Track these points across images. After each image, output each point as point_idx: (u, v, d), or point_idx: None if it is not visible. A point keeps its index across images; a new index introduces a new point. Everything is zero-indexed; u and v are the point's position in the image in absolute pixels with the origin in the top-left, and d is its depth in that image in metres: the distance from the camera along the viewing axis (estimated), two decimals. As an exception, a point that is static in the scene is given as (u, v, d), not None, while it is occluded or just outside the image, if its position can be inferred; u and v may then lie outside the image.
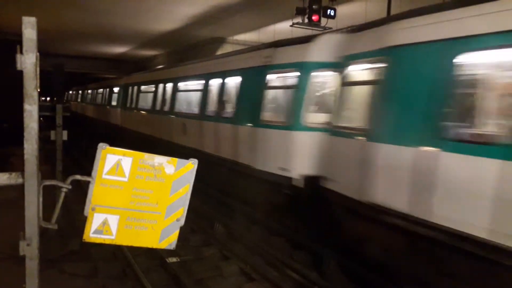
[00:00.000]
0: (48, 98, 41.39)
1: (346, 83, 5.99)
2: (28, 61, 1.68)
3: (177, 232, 2.15)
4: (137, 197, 2.02)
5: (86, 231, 1.98)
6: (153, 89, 13.84)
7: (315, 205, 6.40)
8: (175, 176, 2.08)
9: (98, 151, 1.92)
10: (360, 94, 5.76)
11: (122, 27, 16.43)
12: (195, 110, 10.69)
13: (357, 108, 5.78)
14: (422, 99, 4.60)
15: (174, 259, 6.23)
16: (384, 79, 5.08)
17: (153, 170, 2.03)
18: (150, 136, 13.51)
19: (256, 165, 7.47)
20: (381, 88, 5.12)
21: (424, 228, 4.30)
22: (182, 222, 2.14)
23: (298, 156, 6.80)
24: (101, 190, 1.95)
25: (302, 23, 9.87)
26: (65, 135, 7.04)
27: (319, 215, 6.41)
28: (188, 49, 20.62)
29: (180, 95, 11.94)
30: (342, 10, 10.92)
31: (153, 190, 2.04)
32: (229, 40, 17.99)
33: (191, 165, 2.11)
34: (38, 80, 1.72)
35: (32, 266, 1.79)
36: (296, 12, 9.71)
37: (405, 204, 4.56)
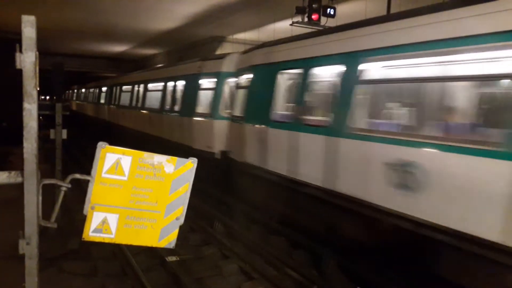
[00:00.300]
0: (47, 97, 41.37)
1: (238, 87, 9.01)
2: (27, 59, 1.68)
3: (176, 231, 2.15)
4: (136, 196, 2.02)
5: (85, 230, 1.98)
6: (130, 89, 16.79)
7: (227, 170, 9.00)
8: (175, 175, 2.08)
9: (97, 150, 1.92)
10: (243, 94, 8.51)
11: (122, 26, 16.42)
12: (156, 105, 13.41)
13: (242, 103, 8.52)
14: (262, 98, 7.60)
15: (173, 258, 6.24)
16: (249, 85, 8.20)
17: (153, 169, 2.03)
18: (129, 128, 16.15)
19: (194, 145, 10.40)
20: (248, 90, 8.21)
21: (268, 174, 7.27)
22: (181, 221, 2.14)
23: (216, 137, 9.55)
24: (100, 189, 1.95)
25: (302, 22, 9.87)
26: (64, 134, 7.04)
27: (229, 175, 8.88)
28: (188, 48, 20.61)
29: (147, 94, 14.76)
30: (342, 9, 10.91)
31: (152, 189, 2.04)
32: (229, 39, 17.98)
33: (191, 164, 2.11)
34: (38, 79, 1.72)
35: (31, 265, 1.79)
36: (295, 11, 9.70)
37: (256, 160, 7.64)
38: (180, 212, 2.13)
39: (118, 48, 23.33)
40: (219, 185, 9.58)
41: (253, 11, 12.87)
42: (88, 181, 1.93)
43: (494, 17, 3.99)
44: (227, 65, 9.66)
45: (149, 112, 14.13)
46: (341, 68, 5.76)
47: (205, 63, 10.55)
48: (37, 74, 1.71)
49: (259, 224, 7.60)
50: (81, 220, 2.02)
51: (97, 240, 2.00)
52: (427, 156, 4.45)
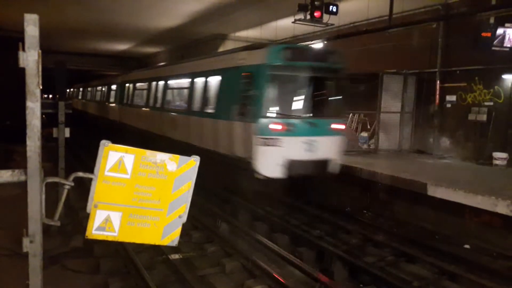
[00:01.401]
0: (50, 96, 41.46)
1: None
2: (30, 58, 1.68)
3: (179, 229, 2.15)
4: (139, 194, 2.03)
5: (88, 228, 1.98)
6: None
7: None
8: (177, 173, 2.08)
9: (100, 148, 1.92)
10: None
11: (124, 24, 16.42)
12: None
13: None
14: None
15: (176, 256, 6.25)
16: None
17: (155, 167, 2.03)
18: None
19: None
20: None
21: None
22: (184, 219, 2.14)
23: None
24: (103, 187, 1.95)
25: (304, 20, 9.84)
26: (67, 132, 7.06)
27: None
28: (190, 46, 20.60)
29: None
30: (345, 6, 10.87)
31: (155, 187, 2.04)
32: (231, 37, 17.96)
33: (193, 162, 2.11)
34: (40, 77, 1.72)
35: (35, 262, 1.80)
36: (298, 9, 9.67)
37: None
38: (183, 210, 2.13)
39: (121, 46, 23.34)
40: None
41: (255, 8, 12.85)
42: (91, 179, 1.94)
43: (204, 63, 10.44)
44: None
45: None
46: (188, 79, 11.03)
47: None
48: (40, 73, 1.71)
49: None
50: (84, 218, 2.03)
51: (100, 238, 2.01)
52: (193, 120, 10.54)
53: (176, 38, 19.39)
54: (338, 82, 8.65)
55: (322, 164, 8.17)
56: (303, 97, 8.75)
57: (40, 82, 1.72)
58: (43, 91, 1.99)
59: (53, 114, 7.18)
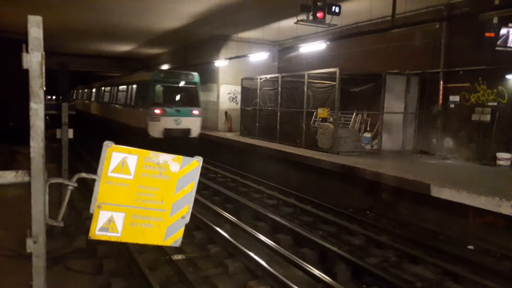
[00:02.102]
0: (53, 97, 41.72)
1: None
2: (33, 59, 1.68)
3: (182, 230, 2.15)
4: (142, 195, 2.03)
5: (91, 228, 1.99)
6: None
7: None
8: (180, 173, 2.08)
9: (103, 149, 1.93)
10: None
11: (127, 26, 16.46)
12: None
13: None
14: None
15: (179, 257, 6.26)
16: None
17: (158, 168, 2.03)
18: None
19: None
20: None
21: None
22: (187, 219, 2.14)
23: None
24: (106, 188, 1.95)
25: (307, 20, 9.82)
26: (71, 133, 7.08)
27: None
28: (193, 47, 20.63)
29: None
30: (347, 6, 10.86)
31: (158, 187, 2.05)
32: (234, 38, 17.97)
33: (196, 162, 2.11)
34: (44, 79, 1.72)
35: (38, 263, 1.80)
36: (300, 9, 9.66)
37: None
38: (186, 210, 2.13)
39: (123, 47, 23.39)
40: None
41: (257, 10, 12.85)
42: (94, 180, 1.94)
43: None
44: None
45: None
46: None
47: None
48: (44, 74, 1.72)
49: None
50: (88, 218, 2.03)
51: (103, 238, 2.01)
52: (123, 109, 18.30)
53: (179, 39, 19.42)
54: (192, 89, 16.02)
55: (185, 131, 15.20)
56: (172, 96, 15.94)
57: (44, 83, 1.72)
58: (46, 93, 1.99)
59: (56, 115, 7.20)
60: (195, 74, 15.98)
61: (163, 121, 14.76)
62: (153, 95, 15.31)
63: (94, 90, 27.82)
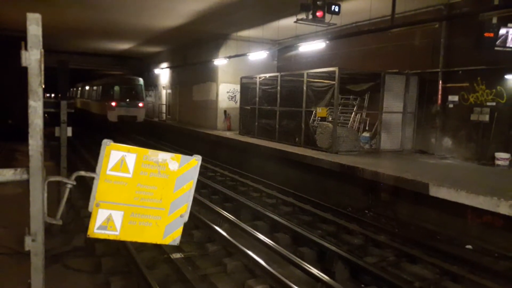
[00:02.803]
0: (52, 95, 41.98)
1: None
2: (32, 57, 1.68)
3: (181, 228, 2.15)
4: (141, 193, 2.03)
5: (90, 227, 1.99)
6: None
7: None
8: (179, 172, 2.08)
9: (102, 147, 1.93)
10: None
11: (126, 24, 16.43)
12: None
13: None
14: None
15: (178, 255, 6.26)
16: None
17: (157, 166, 2.03)
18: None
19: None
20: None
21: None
22: (185, 218, 2.14)
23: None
24: (105, 186, 1.95)
25: (306, 19, 9.82)
26: (69, 131, 7.07)
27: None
28: (192, 46, 20.61)
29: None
30: (347, 6, 10.86)
31: (157, 186, 2.05)
32: (233, 37, 17.95)
33: (195, 161, 2.11)
34: (43, 77, 1.72)
35: (37, 261, 1.80)
36: (300, 8, 9.65)
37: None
38: (185, 209, 2.13)
39: (123, 45, 23.37)
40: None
41: (257, 8, 12.84)
42: (93, 178, 1.94)
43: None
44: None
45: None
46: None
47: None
48: (43, 72, 1.72)
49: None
50: (86, 217, 2.03)
51: (102, 237, 2.01)
52: (94, 103, 27.59)
53: (179, 38, 19.40)
54: (138, 88, 24.40)
55: (133, 117, 23.55)
56: (124, 94, 23.79)
57: (43, 81, 1.72)
58: (45, 90, 1.99)
59: (55, 113, 7.20)
60: (140, 78, 24.93)
61: (117, 110, 23.27)
62: (112, 93, 23.93)
63: (79, 88, 36.16)
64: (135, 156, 1.99)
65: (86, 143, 18.89)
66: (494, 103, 10.09)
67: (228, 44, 18.31)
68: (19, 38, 1.69)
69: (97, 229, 1.99)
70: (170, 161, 2.05)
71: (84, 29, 17.84)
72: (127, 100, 23.53)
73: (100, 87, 25.50)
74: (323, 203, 9.53)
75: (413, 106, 12.05)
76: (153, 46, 23.46)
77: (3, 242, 5.86)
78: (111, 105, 22.96)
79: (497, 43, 8.78)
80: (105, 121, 23.32)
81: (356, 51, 14.00)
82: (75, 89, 39.28)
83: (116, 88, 23.97)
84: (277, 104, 14.05)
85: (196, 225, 7.73)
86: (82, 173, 1.97)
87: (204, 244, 6.87)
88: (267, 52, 15.49)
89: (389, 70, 11.90)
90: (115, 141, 1.94)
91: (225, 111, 18.76)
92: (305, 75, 12.52)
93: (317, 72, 12.64)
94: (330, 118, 11.81)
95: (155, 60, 27.00)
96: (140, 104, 23.82)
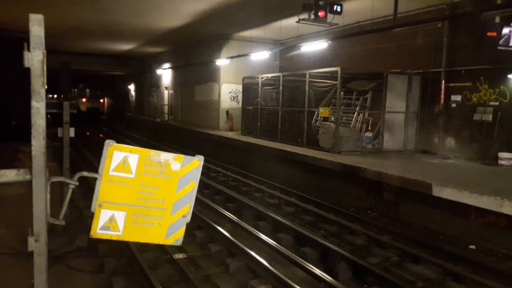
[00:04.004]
0: (55, 96, 43.79)
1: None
2: (35, 58, 1.68)
3: (183, 229, 2.15)
4: (143, 194, 2.03)
5: (93, 227, 1.99)
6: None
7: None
8: (181, 172, 2.08)
9: (105, 148, 1.93)
10: None
11: (128, 25, 16.46)
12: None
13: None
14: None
15: (180, 255, 6.26)
16: None
17: (160, 167, 2.03)
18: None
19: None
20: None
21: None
22: (188, 218, 2.14)
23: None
24: (108, 186, 1.95)
25: (308, 19, 9.81)
26: (72, 132, 7.08)
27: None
28: (194, 46, 20.62)
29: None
30: (349, 6, 10.84)
31: (159, 186, 2.05)
32: (235, 37, 17.96)
33: (197, 161, 2.11)
34: (45, 77, 1.72)
35: (40, 261, 1.80)
36: (302, 8, 9.64)
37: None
38: (187, 209, 2.13)
39: (125, 46, 23.40)
40: None
41: (259, 8, 12.84)
42: (95, 178, 1.94)
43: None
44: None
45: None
46: None
47: None
48: (45, 73, 1.72)
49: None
50: (89, 217, 2.03)
51: (104, 237, 2.01)
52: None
53: (180, 38, 19.42)
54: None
55: (96, 110, 49.35)
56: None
57: (45, 82, 1.72)
58: (48, 91, 1.99)
59: (57, 114, 7.21)
60: None
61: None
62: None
63: None
64: (138, 156, 1.99)
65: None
66: (497, 103, 10.04)
67: (230, 44, 18.31)
68: (21, 39, 1.70)
69: (100, 229, 1.99)
70: (173, 161, 2.05)
71: (86, 29, 17.88)
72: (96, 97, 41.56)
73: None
74: (325, 203, 9.51)
75: (415, 106, 12.02)
76: (155, 47, 23.49)
77: (6, 242, 5.87)
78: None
79: (500, 42, 8.75)
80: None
81: (358, 51, 13.98)
82: None
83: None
84: (279, 104, 14.05)
85: (198, 225, 7.73)
86: (85, 173, 1.98)
87: (206, 245, 6.87)
88: (269, 52, 15.47)
89: (391, 70, 11.87)
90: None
91: (227, 112, 18.76)
92: (307, 75, 12.50)
93: (319, 72, 12.62)
94: (333, 118, 11.78)
95: (157, 60, 27.02)
96: (99, 103, 41.77)
